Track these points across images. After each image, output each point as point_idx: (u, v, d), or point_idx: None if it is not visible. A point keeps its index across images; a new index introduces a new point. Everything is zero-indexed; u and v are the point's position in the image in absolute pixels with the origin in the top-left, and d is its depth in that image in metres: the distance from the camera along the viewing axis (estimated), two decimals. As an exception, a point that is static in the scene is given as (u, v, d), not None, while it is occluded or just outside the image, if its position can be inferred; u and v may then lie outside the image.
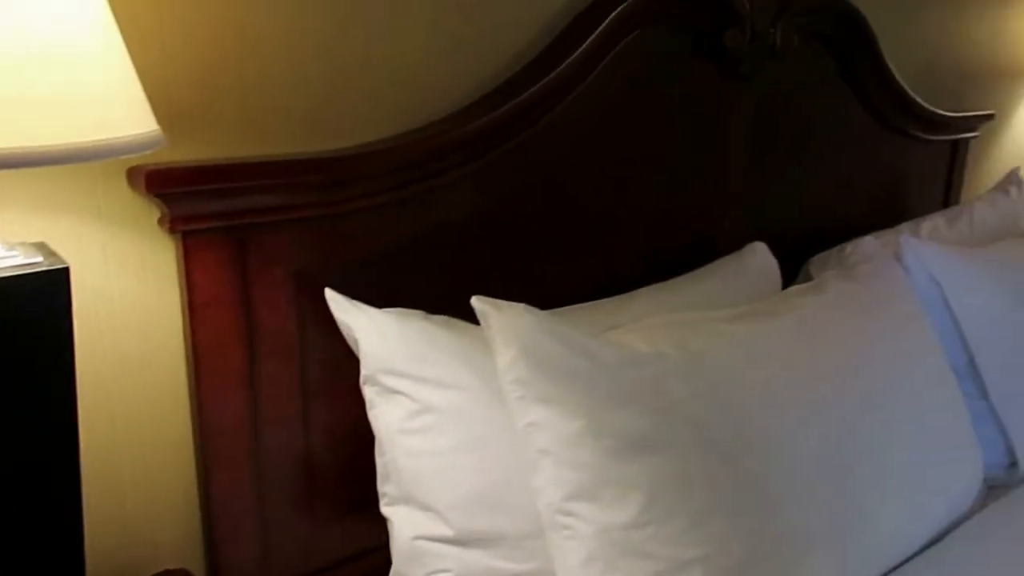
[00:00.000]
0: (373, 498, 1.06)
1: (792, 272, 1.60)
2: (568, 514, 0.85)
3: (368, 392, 1.02)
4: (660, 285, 1.31)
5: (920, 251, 1.30)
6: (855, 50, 1.63)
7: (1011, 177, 1.91)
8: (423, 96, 1.14)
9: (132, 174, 0.90)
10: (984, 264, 1.35)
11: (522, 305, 0.89)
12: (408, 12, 1.10)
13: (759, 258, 1.42)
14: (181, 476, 1.02)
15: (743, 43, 1.37)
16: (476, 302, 0.88)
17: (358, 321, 0.98)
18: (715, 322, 1.04)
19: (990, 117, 2.06)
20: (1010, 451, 1.28)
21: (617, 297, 1.24)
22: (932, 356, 1.20)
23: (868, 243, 1.33)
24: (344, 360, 1.04)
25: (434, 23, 1.12)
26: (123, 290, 0.94)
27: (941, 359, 1.21)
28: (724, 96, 1.43)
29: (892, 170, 1.88)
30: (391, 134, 1.12)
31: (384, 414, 1.00)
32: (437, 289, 1.14)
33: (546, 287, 1.27)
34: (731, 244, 1.47)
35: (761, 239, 1.48)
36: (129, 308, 0.95)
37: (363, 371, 1.01)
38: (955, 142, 2.02)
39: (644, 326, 1.01)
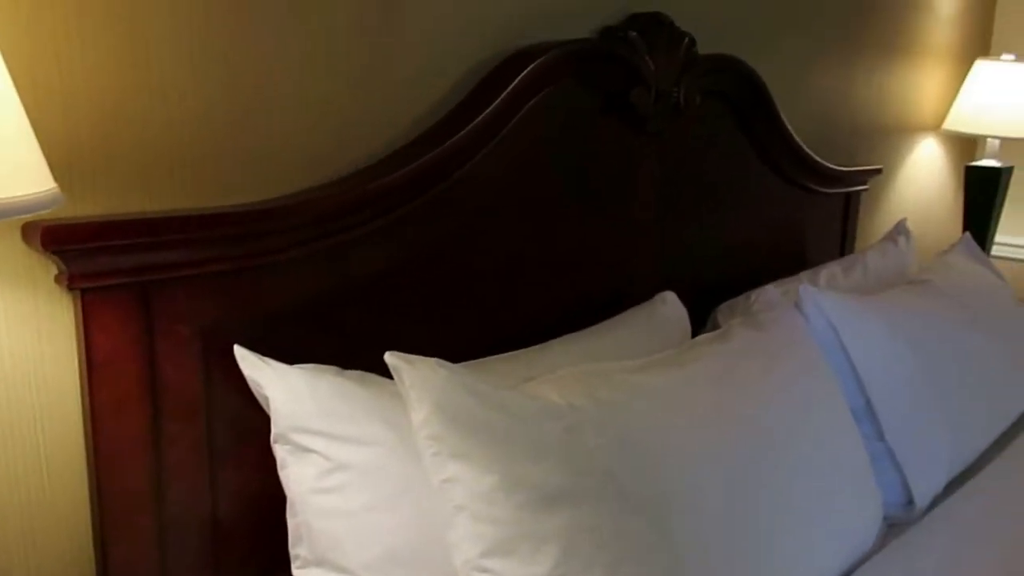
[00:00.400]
0: (285, 561, 1.02)
1: (703, 318, 1.65)
2: (484, 571, 0.85)
3: (279, 451, 0.99)
4: (575, 335, 1.33)
5: (818, 299, 1.37)
6: (753, 108, 1.72)
7: (899, 227, 2.03)
8: (335, 149, 1.15)
9: (27, 230, 0.87)
10: (878, 311, 1.42)
11: (436, 360, 0.89)
12: (320, 64, 1.10)
13: (669, 307, 1.46)
14: (76, 547, 0.96)
15: (649, 102, 1.43)
16: (389, 357, 0.87)
17: (268, 378, 0.96)
18: (626, 372, 1.06)
19: (878, 171, 2.19)
20: (907, 490, 1.34)
21: (533, 347, 1.26)
22: (832, 400, 1.25)
23: (770, 292, 1.38)
24: (254, 418, 1.02)
25: (346, 75, 1.13)
26: (18, 349, 0.90)
27: (840, 402, 1.27)
28: (632, 151, 1.49)
29: (792, 220, 1.98)
30: (303, 187, 1.12)
31: (296, 473, 0.97)
32: (352, 343, 1.13)
33: (463, 339, 1.27)
34: (643, 293, 1.51)
35: (672, 288, 1.53)
36: (24, 368, 0.90)
37: (274, 429, 0.98)
38: (848, 195, 2.14)
39: (558, 377, 1.02)
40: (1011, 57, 2.40)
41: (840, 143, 2.19)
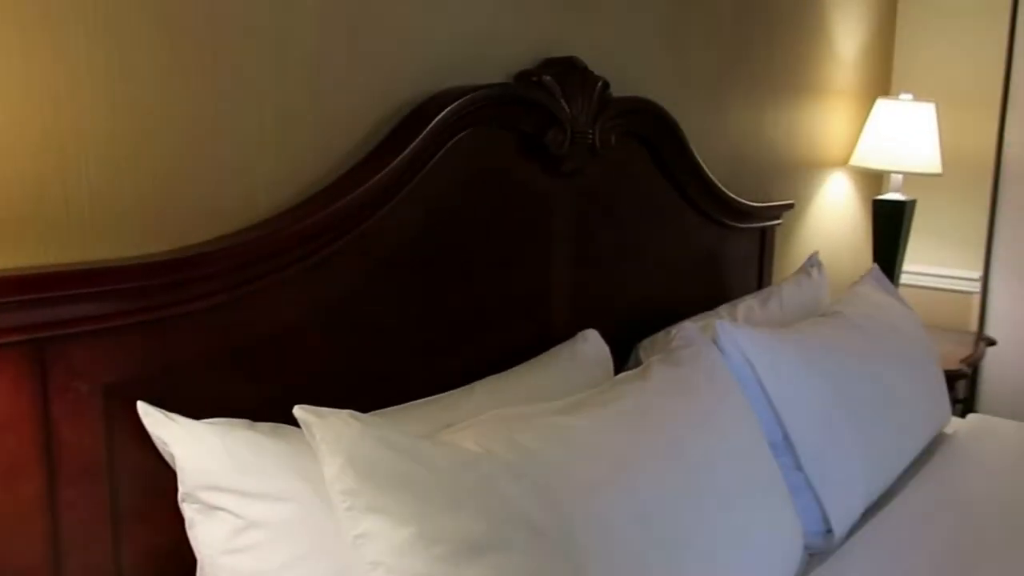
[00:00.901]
0: (196, 627, 0.98)
1: (628, 354, 1.67)
2: (404, 627, 0.82)
3: (187, 511, 0.95)
4: (497, 377, 1.33)
5: (734, 335, 1.40)
6: (668, 148, 1.76)
7: (811, 260, 2.10)
8: (249, 196, 1.12)
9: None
10: (792, 344, 1.46)
11: (348, 412, 0.87)
12: (231, 108, 1.08)
13: (591, 345, 1.47)
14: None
15: (564, 143, 1.45)
16: (299, 411, 0.85)
17: (175, 435, 0.93)
18: (547, 415, 1.06)
19: (791, 206, 2.27)
20: (825, 519, 1.37)
21: (456, 391, 1.25)
22: (749, 433, 1.27)
23: (688, 328, 1.41)
24: (162, 477, 0.97)
25: (259, 120, 1.12)
26: None
27: (758, 436, 1.29)
28: (549, 192, 1.50)
29: (712, 255, 2.02)
30: (215, 235, 1.09)
31: (205, 533, 0.94)
32: (268, 394, 1.10)
33: (385, 384, 1.25)
34: (566, 332, 1.52)
35: (595, 325, 1.54)
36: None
37: (181, 488, 0.94)
38: (763, 229, 2.21)
39: (477, 423, 1.01)
40: (909, 96, 2.54)
41: (753, 179, 2.26)
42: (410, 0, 1.28)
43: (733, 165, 2.16)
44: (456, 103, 1.29)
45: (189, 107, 1.04)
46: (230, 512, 0.92)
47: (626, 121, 1.63)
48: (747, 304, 1.85)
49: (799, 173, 2.49)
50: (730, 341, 1.40)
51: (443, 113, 1.27)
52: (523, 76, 1.43)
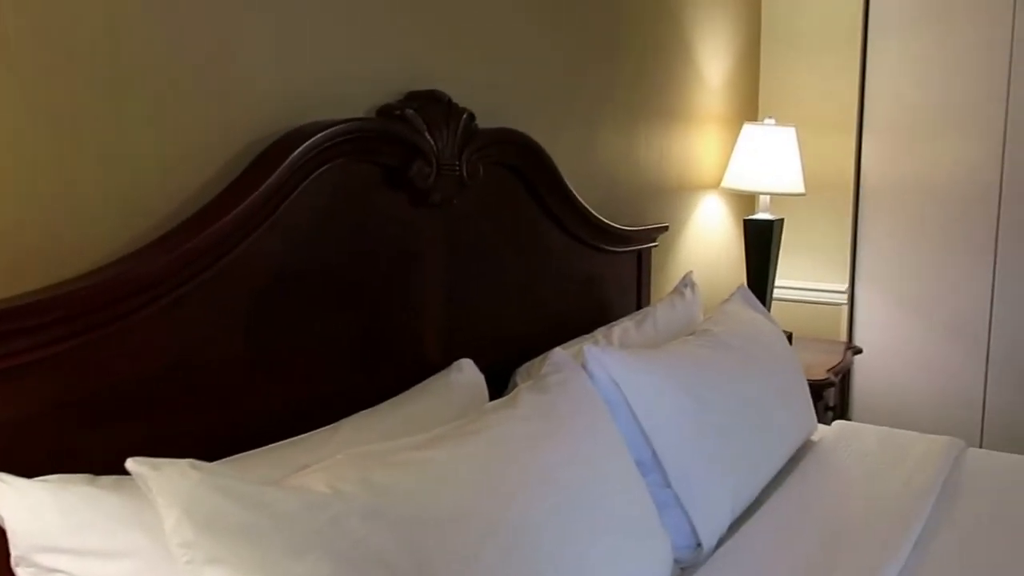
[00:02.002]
0: None
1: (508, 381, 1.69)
2: None
3: (22, 575, 0.90)
4: (366, 412, 1.32)
5: (601, 358, 1.43)
6: (539, 177, 1.80)
7: (685, 280, 2.18)
8: (89, 239, 1.08)
9: None
10: (659, 365, 1.51)
11: (188, 461, 0.85)
12: (77, 142, 1.04)
13: (465, 375, 1.48)
14: None
15: (430, 175, 1.46)
16: (131, 464, 0.82)
17: (3, 496, 0.87)
18: (407, 450, 1.05)
19: (665, 228, 2.35)
20: (695, 533, 1.41)
21: (321, 430, 1.23)
22: (617, 456, 1.30)
23: (557, 354, 1.43)
24: (-7, 542, 0.92)
25: (105, 156, 1.08)
26: None
27: (626, 457, 1.32)
28: (417, 224, 1.51)
29: (590, 279, 2.07)
30: (53, 282, 1.05)
31: (42, 598, 0.88)
32: (119, 445, 1.06)
33: (248, 426, 1.22)
34: (443, 362, 1.53)
35: (474, 354, 1.55)
36: None
37: (13, 552, 0.89)
38: (640, 252, 2.28)
39: (331, 464, 1.00)
40: (772, 121, 2.68)
41: (629, 203, 2.33)
42: (266, 36, 1.27)
43: (608, 190, 2.22)
44: (315, 138, 1.28)
45: (21, 151, 0.99)
46: (67, 573, 0.87)
47: (494, 151, 1.65)
48: (623, 326, 1.90)
49: (673, 196, 2.58)
50: (598, 365, 1.43)
51: (301, 148, 1.26)
52: (386, 110, 1.44)
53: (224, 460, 1.04)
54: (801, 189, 2.65)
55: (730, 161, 2.71)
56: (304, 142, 1.27)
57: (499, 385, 1.66)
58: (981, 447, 2.89)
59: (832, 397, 2.63)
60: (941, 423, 2.96)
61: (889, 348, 3.03)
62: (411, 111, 1.44)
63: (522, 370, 1.66)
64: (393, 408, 1.33)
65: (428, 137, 1.46)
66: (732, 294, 2.10)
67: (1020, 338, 2.81)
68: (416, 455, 1.04)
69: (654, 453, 1.43)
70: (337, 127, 1.32)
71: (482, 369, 1.64)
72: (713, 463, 1.47)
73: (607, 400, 1.42)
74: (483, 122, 1.65)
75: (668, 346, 1.64)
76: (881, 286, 3.02)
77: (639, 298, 2.29)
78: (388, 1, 1.47)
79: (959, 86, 2.81)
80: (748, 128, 2.66)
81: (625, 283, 2.24)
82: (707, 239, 2.81)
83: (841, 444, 1.91)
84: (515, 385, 1.65)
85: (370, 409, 1.32)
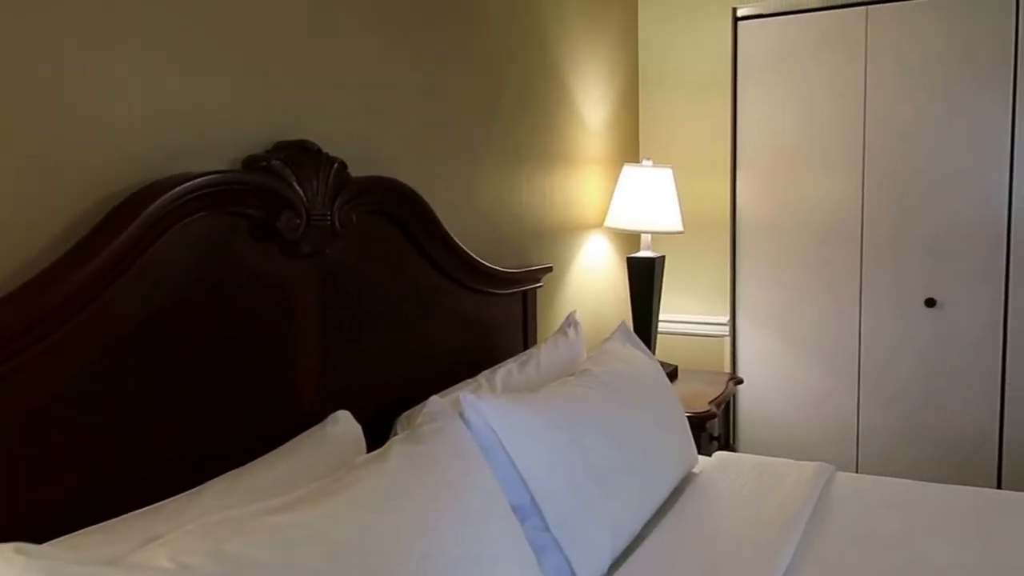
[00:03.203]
0: None
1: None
2: None
3: None
4: (235, 472, 1.27)
5: (477, 405, 1.43)
6: (417, 223, 1.80)
7: (569, 320, 2.21)
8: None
9: None
10: (534, 407, 1.52)
11: (15, 545, 0.79)
12: None
13: (341, 427, 1.45)
14: None
15: (299, 226, 1.44)
16: (-52, 552, 0.76)
17: None
18: (262, 515, 1.02)
19: (549, 269, 2.39)
20: (574, 575, 1.42)
21: (181, 496, 1.17)
22: (493, 501, 1.30)
23: (434, 402, 1.42)
24: None
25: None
26: None
27: (502, 503, 1.32)
28: (290, 275, 1.48)
29: (474, 322, 2.08)
30: None
31: None
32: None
33: (107, 493, 1.16)
34: (320, 415, 1.50)
35: (355, 405, 1.53)
36: None
37: None
38: (525, 293, 2.30)
39: (181, 534, 0.95)
40: (650, 162, 2.78)
41: (512, 245, 2.36)
42: (120, 84, 1.23)
43: (491, 233, 2.25)
44: (173, 192, 1.24)
45: None
46: None
47: (369, 199, 1.65)
48: (507, 368, 1.91)
49: (558, 236, 2.63)
50: (474, 412, 1.43)
51: (158, 203, 1.22)
52: (251, 161, 1.41)
53: (66, 537, 0.98)
54: (679, 227, 2.75)
55: (612, 201, 2.79)
56: (161, 196, 1.24)
57: (384, 435, 1.64)
58: (857, 471, 3.04)
59: (716, 427, 2.72)
60: (820, 449, 3.10)
61: (769, 378, 3.16)
62: (278, 162, 1.42)
63: (403, 418, 1.64)
64: (262, 467, 1.28)
65: (297, 187, 1.44)
66: (613, 332, 2.15)
67: (885, 365, 2.99)
68: (275, 520, 1.01)
69: (532, 497, 1.43)
70: (197, 180, 1.29)
71: (365, 419, 1.62)
72: (591, 504, 1.48)
73: (484, 446, 1.43)
74: (357, 170, 1.65)
75: (546, 388, 1.66)
76: (760, 318, 3.16)
77: (525, 339, 2.32)
78: (256, 50, 1.46)
79: (821, 125, 2.99)
80: (627, 169, 2.75)
81: (511, 324, 2.26)
82: (593, 277, 2.88)
83: (720, 475, 1.97)
84: (396, 434, 1.63)
85: (237, 470, 1.28)
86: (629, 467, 1.63)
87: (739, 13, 3.09)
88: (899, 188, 2.90)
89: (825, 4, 2.95)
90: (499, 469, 1.43)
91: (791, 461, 2.03)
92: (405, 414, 1.66)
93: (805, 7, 2.98)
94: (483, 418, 1.43)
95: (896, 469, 2.99)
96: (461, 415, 1.44)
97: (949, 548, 1.59)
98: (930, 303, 2.88)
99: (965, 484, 2.87)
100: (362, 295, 1.67)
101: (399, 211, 1.75)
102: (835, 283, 3.02)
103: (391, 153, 1.83)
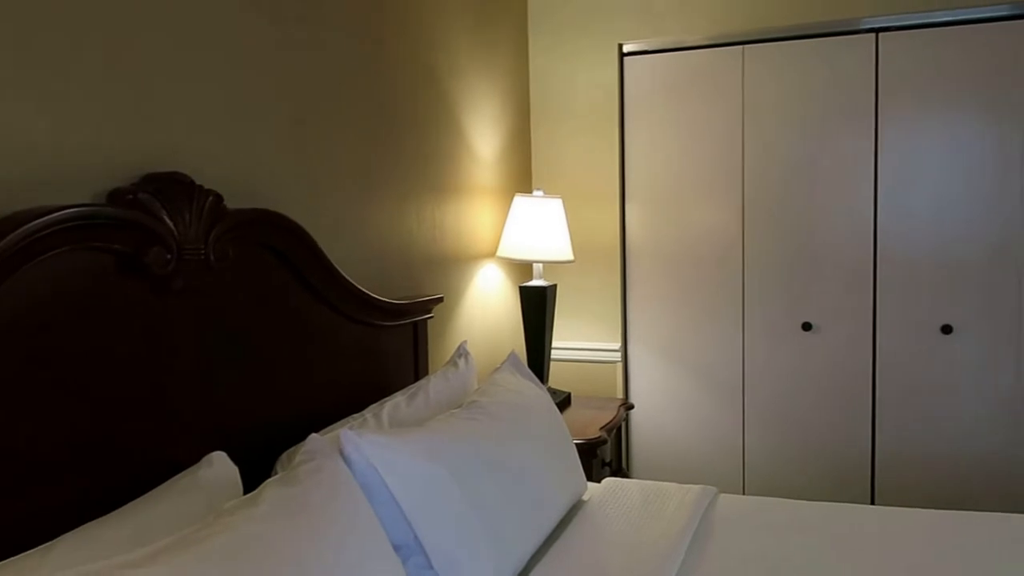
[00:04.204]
0: None
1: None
2: None
3: None
4: (95, 523, 1.20)
5: (356, 442, 1.41)
6: (299, 256, 1.77)
7: (459, 350, 2.21)
8: None
9: None
10: (418, 443, 1.50)
11: None
12: None
13: (216, 469, 1.40)
14: None
15: (170, 261, 1.39)
16: None
17: None
18: (122, 569, 0.96)
19: (440, 299, 2.38)
20: (459, 613, 1.40)
21: (32, 551, 1.10)
22: (373, 542, 1.27)
23: (313, 440, 1.39)
24: None
25: None
26: None
27: (383, 543, 1.30)
28: (162, 312, 1.43)
29: (363, 355, 2.05)
30: None
31: None
32: None
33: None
34: (196, 458, 1.44)
35: (235, 445, 1.47)
36: None
37: None
38: (415, 324, 2.29)
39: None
40: (540, 193, 2.82)
41: (403, 276, 2.35)
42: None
43: (380, 264, 2.23)
44: (27, 226, 1.18)
45: None
46: None
47: (247, 232, 1.61)
48: (394, 402, 1.89)
49: (450, 266, 2.63)
50: (354, 449, 1.41)
51: (11, 236, 1.16)
52: (117, 194, 1.36)
53: None
54: (570, 256, 2.80)
55: (503, 231, 2.82)
56: (15, 230, 1.17)
57: (268, 476, 1.59)
58: (744, 492, 3.14)
59: (608, 453, 2.76)
60: (710, 471, 3.19)
61: (661, 402, 3.24)
62: (146, 195, 1.37)
63: (283, 458, 1.60)
64: (124, 516, 1.22)
65: (167, 221, 1.40)
66: (503, 362, 2.15)
67: (767, 387, 3.11)
68: (136, 573, 0.96)
69: (415, 535, 1.41)
70: (57, 214, 1.23)
71: (248, 460, 1.57)
72: (476, 539, 1.48)
73: (365, 485, 1.40)
74: (237, 203, 1.61)
75: (431, 422, 1.65)
76: (650, 343, 3.24)
77: (417, 370, 2.30)
78: (126, 80, 1.40)
79: (703, 157, 3.12)
80: (519, 199, 2.79)
81: (402, 356, 2.24)
82: (487, 307, 2.89)
83: (608, 501, 2.00)
84: (276, 475, 1.58)
85: (98, 520, 1.21)
86: (515, 499, 1.63)
87: (625, 49, 3.19)
88: (776, 218, 3.05)
89: (704, 43, 3.09)
90: (382, 507, 1.41)
91: (676, 485, 2.08)
92: (286, 453, 1.61)
93: (686, 45, 3.12)
94: (364, 455, 1.41)
95: (780, 489, 3.11)
96: (341, 453, 1.41)
97: (824, 565, 1.66)
98: (806, 327, 3.03)
99: (844, 500, 3.01)
100: (243, 331, 1.62)
101: (281, 244, 1.72)
102: (719, 309, 3.14)
103: (273, 185, 1.80)
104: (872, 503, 3.01)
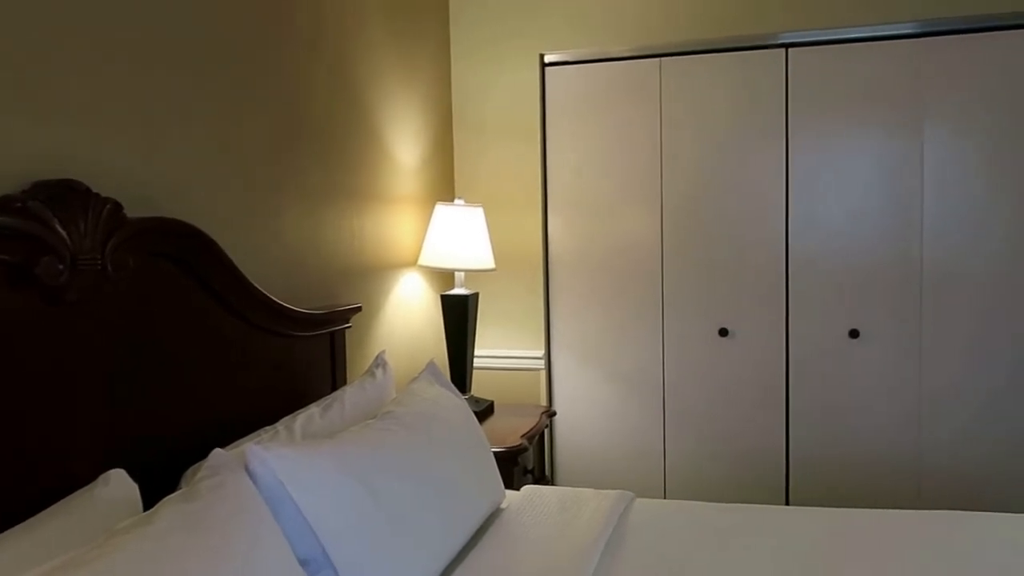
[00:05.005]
0: None
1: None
2: None
3: None
4: (-20, 547, 1.14)
5: (262, 456, 1.38)
6: (206, 265, 1.72)
7: (377, 360, 2.19)
8: None
9: None
10: (327, 455, 1.48)
11: None
12: None
13: (113, 488, 1.35)
14: None
15: (62, 272, 1.34)
16: None
17: None
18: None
19: (358, 309, 2.36)
20: (369, 627, 1.38)
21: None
22: (278, 560, 1.25)
23: (217, 455, 1.36)
24: None
25: None
26: None
27: (288, 560, 1.27)
28: (56, 325, 1.37)
29: (280, 366, 2.00)
30: None
31: None
32: None
33: None
34: (95, 476, 1.39)
35: (139, 462, 1.42)
36: None
37: None
38: (332, 334, 2.26)
39: None
40: (461, 201, 2.82)
41: (321, 286, 2.31)
42: None
43: (298, 273, 2.19)
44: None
45: None
46: None
47: (149, 242, 1.56)
48: (308, 414, 1.86)
49: (370, 275, 2.61)
50: (260, 463, 1.37)
51: None
52: (5, 202, 1.30)
53: None
54: (491, 265, 2.80)
55: (425, 240, 2.81)
56: None
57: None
58: (665, 496, 3.19)
59: (530, 460, 2.77)
60: (632, 476, 3.24)
61: (584, 408, 3.27)
62: (36, 203, 1.31)
63: (188, 474, 1.55)
64: (14, 538, 1.16)
65: (60, 230, 1.34)
66: (421, 371, 2.14)
67: (686, 392, 3.18)
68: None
69: (323, 549, 1.39)
70: (-65, 223, 1.17)
71: (153, 476, 1.52)
72: (387, 551, 1.46)
73: (272, 499, 1.37)
74: (141, 211, 1.56)
75: (344, 434, 1.63)
76: (574, 350, 3.27)
77: (334, 381, 2.27)
78: (15, 83, 1.34)
79: (624, 166, 3.17)
80: (440, 208, 2.78)
81: (319, 367, 2.21)
82: (409, 316, 2.87)
83: (526, 508, 2.00)
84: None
85: (-15, 541, 1.15)
86: (429, 509, 1.62)
87: (546, 59, 3.23)
88: (693, 226, 3.12)
89: (624, 54, 3.15)
90: (289, 523, 1.38)
91: (593, 491, 2.10)
92: (191, 469, 1.56)
93: (606, 56, 3.17)
94: (270, 470, 1.38)
95: (700, 491, 3.17)
96: (247, 467, 1.38)
97: (735, 567, 1.70)
98: (723, 333, 3.10)
99: (761, 501, 3.09)
100: (147, 343, 1.57)
101: (186, 253, 1.67)
102: (640, 316, 3.19)
103: (181, 193, 1.75)
104: (787, 503, 3.10)
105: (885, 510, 2.02)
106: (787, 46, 3.00)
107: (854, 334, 2.98)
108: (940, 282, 2.91)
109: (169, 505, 1.20)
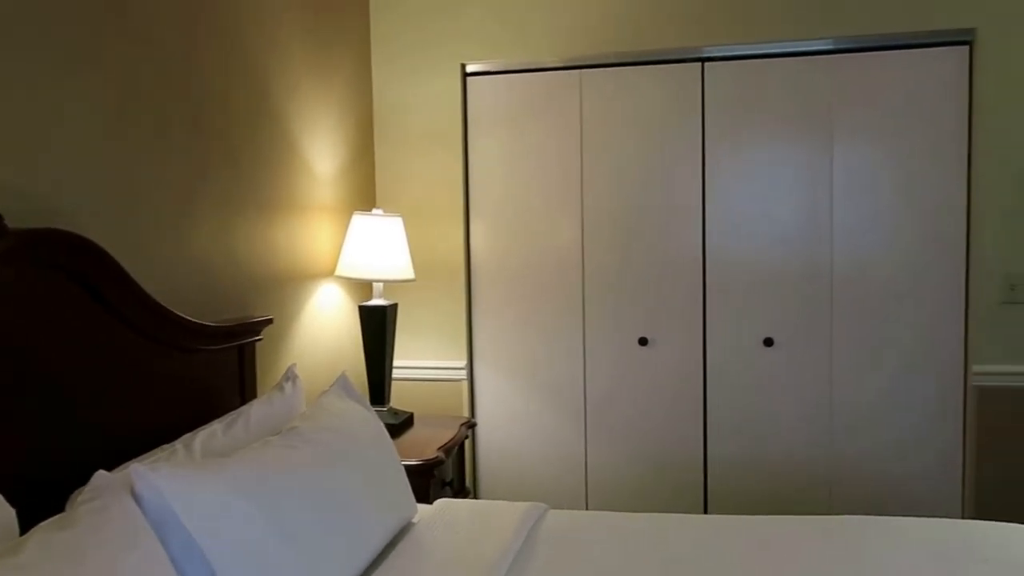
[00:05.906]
0: None
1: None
2: None
3: None
4: None
5: (148, 478, 1.32)
6: (101, 279, 1.65)
7: (287, 374, 2.14)
8: None
9: None
10: (220, 475, 1.43)
11: None
12: None
13: (-12, 513, 1.27)
14: None
15: (-69, 287, 1.27)
16: None
17: None
18: None
19: (269, 321, 2.30)
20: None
21: None
22: (161, 585, 1.20)
23: (100, 477, 1.30)
24: None
25: None
26: None
27: (173, 585, 1.22)
28: (-80, 343, 1.29)
29: (183, 381, 1.94)
30: None
31: None
32: None
33: None
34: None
35: (25, 487, 1.34)
36: None
37: None
38: (241, 347, 2.20)
39: None
40: (380, 211, 2.79)
41: (232, 297, 2.25)
42: None
43: (206, 285, 2.13)
44: None
45: None
46: None
47: (34, 255, 1.49)
48: (210, 430, 1.80)
49: (284, 286, 2.55)
50: (146, 486, 1.32)
51: None
52: None
53: None
54: (411, 275, 2.78)
55: (342, 250, 2.77)
56: None
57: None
58: (587, 506, 3.21)
59: (448, 473, 2.75)
60: (554, 487, 3.24)
61: (506, 419, 3.26)
62: (-99, 214, 1.24)
63: (73, 497, 1.47)
64: None
65: (-71, 243, 1.27)
66: (332, 385, 2.10)
67: (607, 402, 3.20)
68: None
69: (214, 574, 1.34)
70: None
71: (37, 500, 1.45)
72: (286, 574, 1.42)
73: (159, 522, 1.32)
74: (31, 222, 1.50)
75: (242, 452, 1.58)
76: (496, 360, 3.26)
77: (243, 396, 2.21)
78: None
79: (544, 176, 3.18)
80: (357, 218, 2.74)
81: (226, 382, 2.15)
82: (326, 327, 2.82)
83: (438, 522, 1.98)
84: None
85: None
86: (332, 527, 1.58)
87: (468, 69, 3.22)
88: (613, 237, 3.14)
89: (544, 65, 3.16)
90: (179, 548, 1.33)
91: (506, 503, 2.09)
92: (76, 492, 1.49)
93: (527, 67, 3.18)
94: (157, 491, 1.32)
95: (621, 502, 3.19)
96: (132, 490, 1.33)
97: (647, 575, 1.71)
98: (643, 342, 3.14)
99: (681, 509, 3.13)
100: (33, 362, 1.49)
101: (77, 266, 1.60)
102: (562, 326, 3.20)
103: (75, 203, 1.68)
104: (705, 511, 3.15)
105: (799, 516, 2.05)
106: (703, 60, 3.06)
107: (768, 342, 3.05)
108: (848, 291, 3.00)
109: (41, 532, 1.15)
